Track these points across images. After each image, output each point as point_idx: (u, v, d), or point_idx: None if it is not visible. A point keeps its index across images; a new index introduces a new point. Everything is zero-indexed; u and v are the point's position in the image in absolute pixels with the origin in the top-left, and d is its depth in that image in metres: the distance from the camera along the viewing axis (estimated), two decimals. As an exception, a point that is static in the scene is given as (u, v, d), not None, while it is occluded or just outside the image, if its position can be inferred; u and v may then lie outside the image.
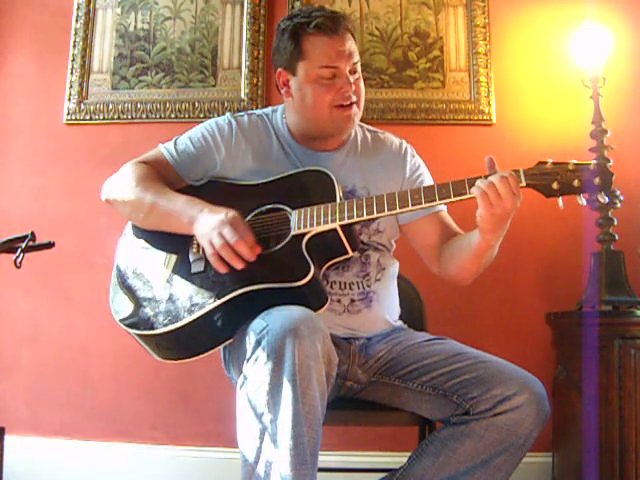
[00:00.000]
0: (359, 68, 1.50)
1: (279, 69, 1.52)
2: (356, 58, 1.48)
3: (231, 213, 1.30)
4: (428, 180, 1.62)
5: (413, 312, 1.76)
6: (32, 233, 1.39)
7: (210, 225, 1.29)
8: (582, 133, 2.19)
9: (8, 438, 1.83)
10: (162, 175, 1.48)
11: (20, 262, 1.35)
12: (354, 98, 1.47)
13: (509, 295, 2.31)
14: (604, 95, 2.19)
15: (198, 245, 1.39)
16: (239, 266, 1.26)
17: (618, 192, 2.08)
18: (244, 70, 2.49)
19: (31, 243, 1.39)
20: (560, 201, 1.26)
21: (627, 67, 2.40)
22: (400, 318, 1.61)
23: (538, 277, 2.33)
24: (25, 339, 2.39)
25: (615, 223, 2.11)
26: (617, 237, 2.10)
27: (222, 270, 1.28)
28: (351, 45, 1.47)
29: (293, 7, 2.49)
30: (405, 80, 2.47)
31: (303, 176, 1.46)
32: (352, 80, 1.46)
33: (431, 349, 1.42)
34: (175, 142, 1.55)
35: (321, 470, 1.16)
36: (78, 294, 2.39)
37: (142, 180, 1.43)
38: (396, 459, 1.60)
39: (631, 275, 2.08)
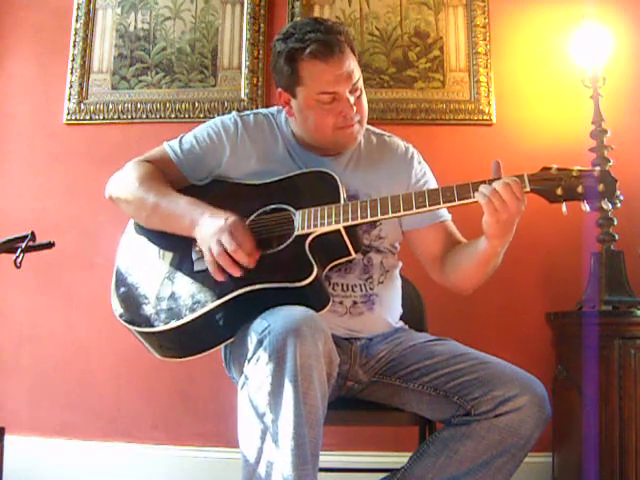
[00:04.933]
0: (360, 84, 1.46)
1: (279, 89, 1.50)
2: (356, 77, 1.43)
3: (231, 219, 1.29)
4: (433, 187, 1.60)
5: (413, 312, 1.75)
6: (32, 233, 1.40)
7: (209, 232, 1.29)
8: (582, 133, 2.19)
9: (8, 438, 1.82)
10: (166, 174, 1.48)
11: (20, 262, 1.35)
12: (357, 118, 1.45)
13: (509, 295, 2.31)
14: (604, 95, 2.19)
15: (200, 244, 1.39)
16: (237, 274, 1.26)
17: (618, 192, 2.07)
18: (244, 70, 2.49)
19: (31, 243, 1.39)
20: (564, 207, 1.25)
21: (627, 67, 2.40)
22: (401, 318, 1.60)
23: (538, 277, 2.33)
24: (25, 339, 2.39)
25: (615, 223, 2.11)
26: (617, 237, 2.10)
27: (219, 278, 1.28)
28: (349, 65, 1.41)
29: (293, 7, 2.49)
30: (405, 80, 2.47)
31: (307, 177, 1.46)
32: (353, 100, 1.42)
33: (432, 350, 1.42)
34: (180, 141, 1.54)
35: (322, 470, 1.16)
36: (78, 294, 2.39)
37: (145, 180, 1.43)
38: (396, 459, 1.60)
39: (631, 275, 2.08)
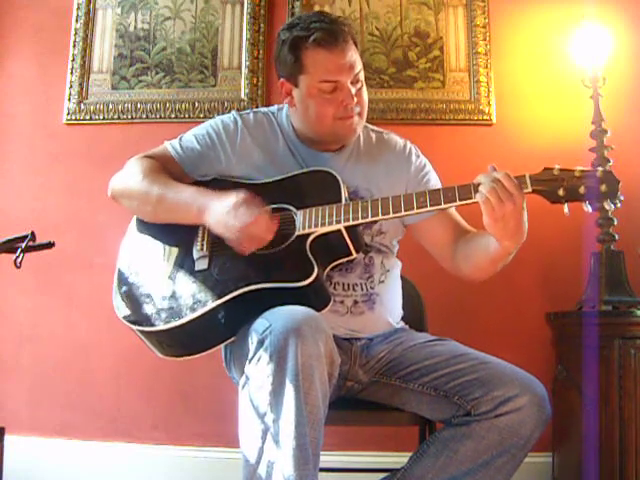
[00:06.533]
0: (362, 76, 1.47)
1: (281, 79, 1.51)
2: (358, 68, 1.45)
3: (240, 194, 1.32)
4: (434, 179, 1.61)
5: (414, 312, 1.75)
6: (32, 233, 1.40)
7: (223, 211, 1.31)
8: (582, 133, 2.19)
9: (8, 438, 1.83)
10: (168, 170, 1.48)
11: (20, 262, 1.35)
12: (357, 109, 1.46)
13: (509, 295, 2.31)
14: (604, 95, 2.19)
15: (202, 243, 1.40)
16: (265, 240, 1.30)
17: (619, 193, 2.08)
18: (244, 70, 2.49)
19: (31, 243, 1.39)
20: (565, 207, 1.25)
21: (627, 67, 2.40)
22: (401, 318, 1.60)
23: (538, 277, 2.33)
24: (25, 339, 2.39)
25: (615, 223, 2.11)
26: (617, 237, 2.11)
27: (247, 252, 1.31)
28: (352, 56, 1.43)
29: (293, 7, 2.49)
30: (405, 80, 2.47)
31: (309, 176, 1.46)
32: (354, 91, 1.44)
33: (432, 350, 1.42)
34: (180, 139, 1.55)
35: (322, 470, 1.16)
36: (78, 294, 2.39)
37: (148, 173, 1.44)
38: (397, 459, 1.60)
39: (631, 275, 2.08)
